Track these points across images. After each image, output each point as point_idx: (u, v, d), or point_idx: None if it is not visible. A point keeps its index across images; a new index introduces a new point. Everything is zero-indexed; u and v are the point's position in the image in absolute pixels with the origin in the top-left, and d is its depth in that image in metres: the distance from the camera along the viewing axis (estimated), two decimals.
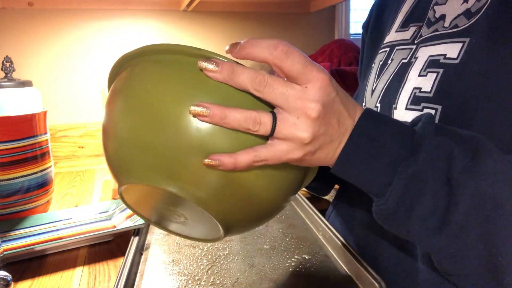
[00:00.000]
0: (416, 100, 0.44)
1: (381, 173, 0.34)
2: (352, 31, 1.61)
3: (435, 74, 0.43)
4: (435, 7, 0.48)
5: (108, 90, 0.38)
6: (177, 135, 0.30)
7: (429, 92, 0.43)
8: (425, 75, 0.44)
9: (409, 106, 0.45)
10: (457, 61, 0.41)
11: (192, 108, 0.29)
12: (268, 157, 0.31)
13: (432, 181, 0.33)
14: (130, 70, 0.34)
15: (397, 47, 0.52)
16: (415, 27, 0.51)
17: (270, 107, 0.32)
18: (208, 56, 0.31)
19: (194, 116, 0.30)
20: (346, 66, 1.30)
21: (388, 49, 0.54)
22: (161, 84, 0.31)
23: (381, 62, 0.55)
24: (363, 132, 0.34)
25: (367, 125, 0.34)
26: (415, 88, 0.45)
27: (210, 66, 0.30)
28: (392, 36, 0.55)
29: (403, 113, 0.45)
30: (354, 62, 1.31)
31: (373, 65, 0.57)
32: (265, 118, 0.31)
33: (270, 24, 1.48)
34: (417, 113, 0.43)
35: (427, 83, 0.43)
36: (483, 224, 0.32)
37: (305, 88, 0.31)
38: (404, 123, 0.36)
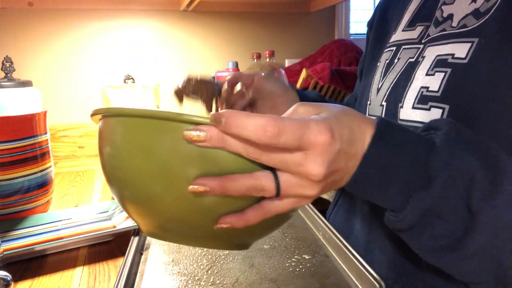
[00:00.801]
0: (423, 99, 0.44)
1: (393, 199, 0.33)
2: (352, 31, 1.61)
3: (442, 74, 0.42)
4: (442, 7, 0.47)
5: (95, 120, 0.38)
6: (183, 207, 0.30)
7: (437, 92, 0.42)
8: (433, 75, 0.44)
9: (416, 105, 0.44)
10: (465, 61, 0.40)
11: (190, 188, 0.28)
12: (278, 211, 0.31)
13: (448, 210, 0.31)
14: (112, 137, 0.32)
15: (403, 46, 0.52)
16: (422, 27, 0.50)
17: None
18: (192, 122, 0.28)
19: (194, 194, 0.28)
20: (346, 66, 1.30)
21: (394, 48, 0.54)
22: (150, 158, 0.29)
23: (387, 61, 0.54)
24: (372, 162, 0.32)
25: (377, 153, 0.31)
26: (422, 87, 0.44)
27: (197, 136, 0.27)
28: (398, 35, 0.55)
29: (409, 112, 0.45)
30: (354, 62, 1.31)
31: (378, 64, 0.57)
32: (267, 182, 0.29)
33: (270, 24, 1.48)
34: (424, 112, 0.43)
35: (435, 82, 0.43)
36: (498, 249, 0.32)
37: (305, 154, 0.28)
38: (419, 139, 0.33)
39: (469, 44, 0.41)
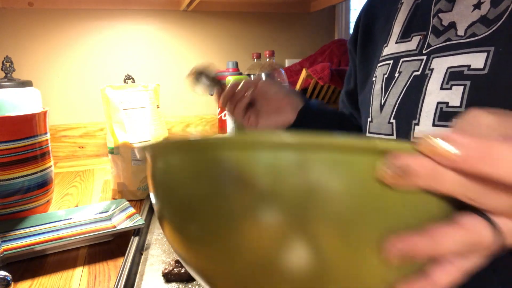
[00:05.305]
0: (445, 115, 0.42)
1: None
2: (352, 31, 1.61)
3: (461, 87, 0.40)
4: (440, 15, 0.45)
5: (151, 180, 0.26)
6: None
7: (460, 107, 0.40)
8: (449, 88, 0.42)
9: (437, 122, 0.42)
10: (485, 72, 0.39)
11: (387, 250, 0.19)
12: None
13: None
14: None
15: (402, 59, 0.50)
16: (419, 37, 0.48)
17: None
18: (387, 151, 0.19)
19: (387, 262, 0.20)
20: (346, 66, 1.30)
21: (391, 61, 0.52)
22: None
23: (385, 76, 0.52)
24: None
25: None
26: (439, 102, 0.42)
27: (398, 172, 0.19)
28: (392, 47, 0.52)
29: (429, 130, 0.43)
30: None
31: (374, 79, 0.55)
32: (484, 233, 0.20)
33: (270, 24, 1.48)
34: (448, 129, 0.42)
35: (455, 97, 0.41)
36: None
37: None
38: None
39: (485, 54, 0.39)
